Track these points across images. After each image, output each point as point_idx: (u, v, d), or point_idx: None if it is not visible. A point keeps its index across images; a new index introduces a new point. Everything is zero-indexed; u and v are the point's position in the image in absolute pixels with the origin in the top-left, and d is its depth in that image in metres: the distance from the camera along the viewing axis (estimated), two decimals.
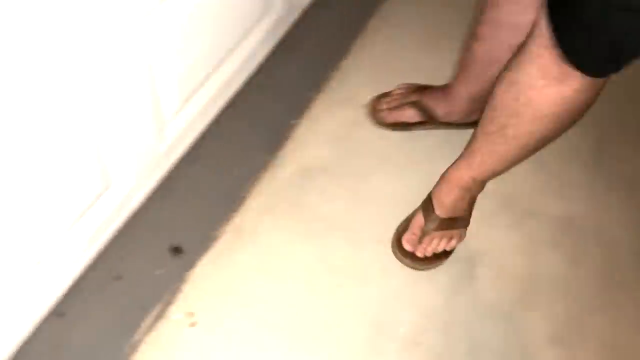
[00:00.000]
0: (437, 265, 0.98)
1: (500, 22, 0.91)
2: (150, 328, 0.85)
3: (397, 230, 1.01)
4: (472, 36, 0.99)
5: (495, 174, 0.90)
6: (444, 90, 1.11)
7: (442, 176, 0.96)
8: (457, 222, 0.97)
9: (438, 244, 0.97)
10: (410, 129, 1.15)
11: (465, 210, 0.96)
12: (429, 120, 1.13)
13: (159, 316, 0.87)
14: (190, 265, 0.93)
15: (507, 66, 0.76)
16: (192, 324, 0.87)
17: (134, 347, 0.83)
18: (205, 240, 0.96)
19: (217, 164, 1.06)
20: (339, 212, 1.04)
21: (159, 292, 0.89)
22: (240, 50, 1.04)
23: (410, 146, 1.15)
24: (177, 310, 0.88)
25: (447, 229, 0.96)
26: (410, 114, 1.13)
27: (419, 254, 0.97)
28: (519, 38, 0.74)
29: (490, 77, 0.89)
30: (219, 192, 1.02)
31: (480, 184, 0.93)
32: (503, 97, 0.77)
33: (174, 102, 0.89)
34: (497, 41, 0.93)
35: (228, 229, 0.98)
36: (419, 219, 0.98)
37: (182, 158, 1.01)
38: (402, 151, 1.14)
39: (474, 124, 0.96)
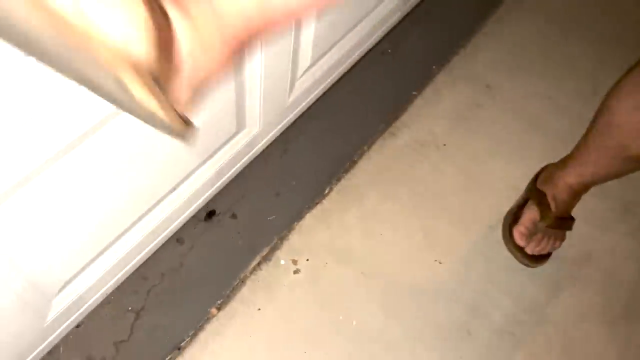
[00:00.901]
0: (541, 264, 0.95)
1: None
2: (256, 267, 0.91)
3: (506, 219, 0.99)
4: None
5: (608, 179, 0.85)
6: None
7: (554, 173, 0.92)
8: (567, 223, 0.94)
9: (548, 243, 0.94)
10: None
11: (570, 212, 0.94)
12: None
13: (266, 258, 0.92)
14: (299, 216, 0.97)
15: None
16: (296, 271, 0.92)
17: (241, 282, 0.89)
18: (315, 194, 1.00)
19: (334, 125, 1.08)
20: (448, 190, 1.04)
21: (269, 236, 0.94)
22: (372, 16, 1.04)
23: (530, 137, 1.11)
24: (283, 256, 0.93)
25: (558, 228, 0.93)
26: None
27: (529, 251, 0.94)
28: None
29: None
30: (332, 151, 1.05)
31: (589, 188, 0.90)
32: (632, 117, 0.72)
33: (307, 59, 0.92)
34: None
35: (337, 188, 1.01)
36: (533, 213, 0.94)
37: (303, 114, 1.05)
38: (522, 139, 1.11)
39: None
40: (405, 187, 1.03)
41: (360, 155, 1.06)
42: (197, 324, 0.84)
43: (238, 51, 0.42)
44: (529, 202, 0.96)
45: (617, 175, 0.83)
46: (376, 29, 1.10)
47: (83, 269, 0.71)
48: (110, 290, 0.81)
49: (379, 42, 1.16)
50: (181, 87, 0.38)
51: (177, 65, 0.38)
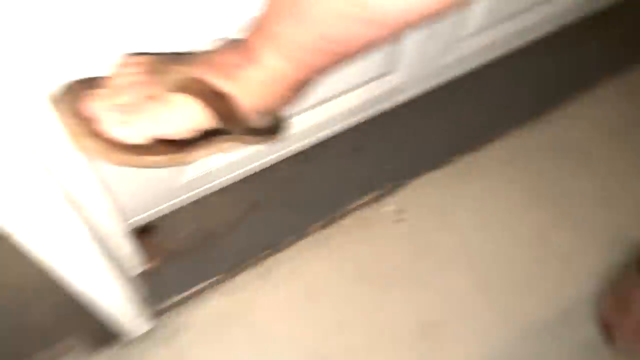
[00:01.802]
0: None
1: None
2: (363, 205, 0.96)
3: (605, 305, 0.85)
4: None
5: None
6: (238, 49, 0.49)
7: None
8: None
9: None
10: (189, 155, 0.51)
11: None
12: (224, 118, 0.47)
13: (375, 200, 0.96)
14: (417, 174, 1.00)
15: None
16: (399, 220, 0.95)
17: (345, 213, 0.95)
18: (439, 160, 1.01)
19: (477, 102, 1.08)
20: (581, 192, 1.00)
21: (384, 181, 0.98)
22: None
23: None
24: (391, 203, 0.97)
25: None
26: (184, 114, 0.45)
27: None
28: None
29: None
30: (468, 127, 1.05)
31: None
32: None
33: (477, 21, 0.93)
34: None
35: (460, 159, 1.02)
36: None
37: (448, 83, 1.06)
38: None
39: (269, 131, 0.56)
40: (531, 180, 1.01)
41: (498, 135, 1.05)
42: (296, 235, 0.92)
43: (307, 77, 0.48)
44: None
45: None
46: (563, 15, 1.07)
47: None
48: (237, 179, 0.91)
49: (562, 29, 1.12)
50: (260, 118, 0.51)
51: (244, 111, 0.49)
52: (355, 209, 0.96)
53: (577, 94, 1.11)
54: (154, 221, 0.88)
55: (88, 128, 0.46)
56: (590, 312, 0.89)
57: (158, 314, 0.84)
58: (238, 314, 0.85)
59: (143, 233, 0.87)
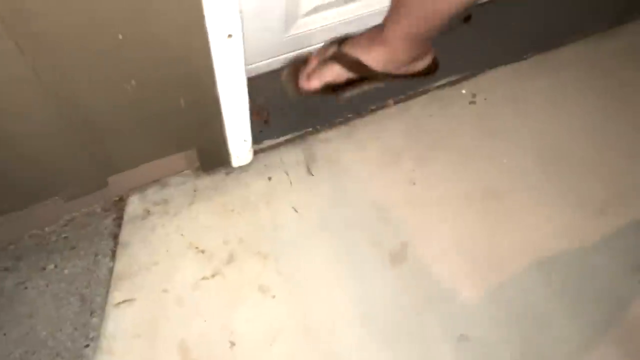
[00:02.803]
0: None
1: None
2: (441, 87, 1.05)
3: None
4: None
5: None
6: (372, 33, 0.88)
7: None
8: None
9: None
10: (344, 91, 0.94)
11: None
12: (362, 73, 0.91)
13: (453, 83, 1.06)
14: (494, 64, 1.08)
15: None
16: (472, 102, 1.04)
17: (423, 91, 1.04)
18: (516, 52, 1.09)
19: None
20: None
21: (460, 66, 1.07)
22: None
23: None
24: (467, 88, 1.06)
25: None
26: (334, 72, 0.90)
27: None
28: None
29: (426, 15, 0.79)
30: (550, 23, 1.12)
31: None
32: None
33: None
34: None
35: (536, 56, 1.10)
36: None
37: None
38: None
39: (423, 72, 0.95)
40: (602, 81, 1.08)
41: (572, 41, 1.11)
42: (378, 104, 1.02)
43: (415, 37, 0.85)
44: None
45: None
46: None
47: (334, 4, 0.92)
48: None
49: None
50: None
51: (373, 70, 0.90)
52: (433, 90, 1.05)
53: None
54: (256, 76, 1.00)
55: (295, 81, 0.94)
56: None
57: (256, 152, 0.96)
58: (324, 160, 0.96)
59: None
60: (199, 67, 0.66)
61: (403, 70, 0.92)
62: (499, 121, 1.03)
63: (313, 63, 0.92)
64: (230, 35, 0.62)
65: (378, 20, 1.00)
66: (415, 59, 0.92)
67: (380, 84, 0.93)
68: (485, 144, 1.00)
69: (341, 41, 0.91)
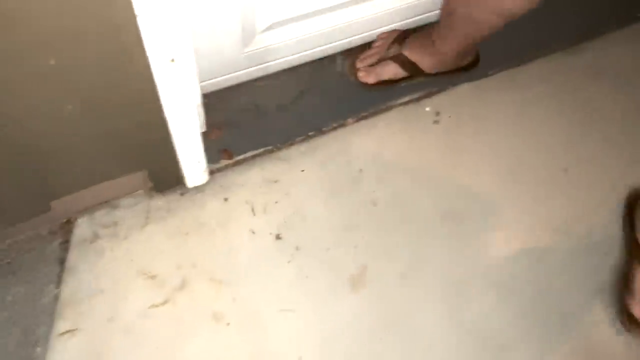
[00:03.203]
0: None
1: None
2: (404, 104, 1.03)
3: (621, 294, 0.88)
4: None
5: None
6: (426, 40, 0.99)
7: None
8: None
9: None
10: (396, 85, 1.04)
11: None
12: (415, 75, 1.03)
13: (416, 100, 1.04)
14: (456, 82, 1.07)
15: None
16: (436, 121, 1.02)
17: (388, 108, 1.02)
18: (478, 70, 1.08)
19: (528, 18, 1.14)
20: (611, 110, 1.06)
21: (424, 83, 1.05)
22: None
23: None
24: (430, 105, 1.04)
25: None
26: (392, 71, 1.02)
27: None
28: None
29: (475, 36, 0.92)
30: (512, 39, 1.12)
31: None
32: None
33: None
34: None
35: (499, 73, 1.09)
36: None
37: None
38: None
39: (467, 67, 1.05)
40: (567, 98, 1.07)
41: (535, 58, 1.11)
42: (341, 121, 1.00)
43: (464, 46, 0.97)
44: (636, 266, 0.86)
45: None
46: None
47: (290, 21, 0.89)
48: (289, 64, 0.99)
49: None
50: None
51: (425, 69, 1.02)
52: (397, 106, 1.03)
53: (621, 23, 1.16)
54: (214, 92, 0.97)
55: (354, 71, 1.03)
56: (610, 218, 0.96)
57: (212, 172, 0.93)
58: (283, 182, 0.94)
59: (204, 99, 0.96)
60: (141, 92, 0.63)
61: (451, 67, 1.03)
62: (463, 139, 1.01)
63: (373, 57, 1.02)
64: (173, 60, 0.59)
65: (339, 36, 0.99)
66: (462, 58, 1.03)
67: (427, 79, 1.05)
68: (448, 163, 0.99)
69: (401, 40, 1.01)
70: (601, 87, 1.09)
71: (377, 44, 1.04)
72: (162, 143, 0.75)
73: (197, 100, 0.82)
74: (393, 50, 1.01)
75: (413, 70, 1.01)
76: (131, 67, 0.59)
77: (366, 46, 1.06)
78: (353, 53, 1.04)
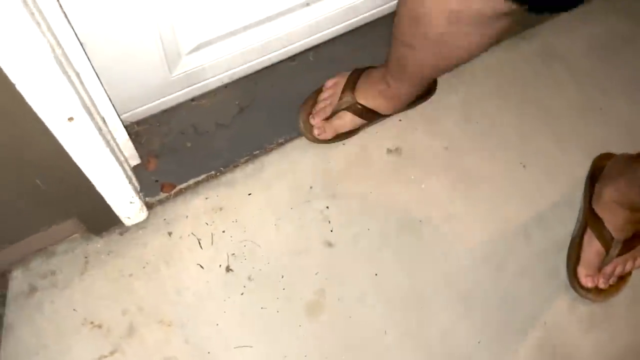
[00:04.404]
0: (624, 287, 0.88)
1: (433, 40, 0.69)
2: None
3: (569, 255, 0.90)
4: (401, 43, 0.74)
5: None
6: (380, 83, 0.87)
7: (603, 190, 0.85)
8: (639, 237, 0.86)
9: (623, 269, 0.86)
10: (355, 134, 0.95)
11: None
12: (373, 119, 0.94)
13: None
14: None
15: None
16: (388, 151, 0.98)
17: None
18: None
19: None
20: (561, 108, 1.02)
21: None
22: None
23: None
24: None
25: (630, 249, 0.85)
26: (350, 122, 0.92)
27: (603, 286, 0.86)
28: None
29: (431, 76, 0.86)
30: None
31: None
32: None
33: None
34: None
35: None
36: (595, 248, 0.86)
37: None
38: None
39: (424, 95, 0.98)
40: (519, 90, 1.03)
41: None
42: (286, 136, 0.95)
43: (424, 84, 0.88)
44: (588, 232, 0.88)
45: None
46: None
47: (217, 39, 0.83)
48: (226, 80, 0.93)
49: None
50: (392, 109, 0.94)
51: (382, 111, 0.92)
52: None
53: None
54: (147, 118, 0.91)
55: (309, 128, 0.92)
56: (565, 215, 0.93)
57: (152, 205, 0.87)
58: (229, 209, 0.89)
59: (137, 127, 0.90)
60: (47, 151, 0.57)
61: (409, 101, 0.95)
62: (415, 144, 0.97)
63: (326, 110, 0.92)
64: (71, 119, 0.53)
65: (276, 46, 0.92)
66: (420, 89, 0.94)
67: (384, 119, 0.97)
68: (401, 171, 0.94)
69: (352, 86, 0.91)
70: (549, 74, 1.06)
71: (325, 94, 0.93)
72: (86, 191, 0.69)
73: (123, 137, 0.76)
74: (346, 100, 0.90)
75: (371, 116, 0.92)
76: (27, 130, 0.53)
77: (313, 92, 0.95)
78: (304, 108, 0.93)
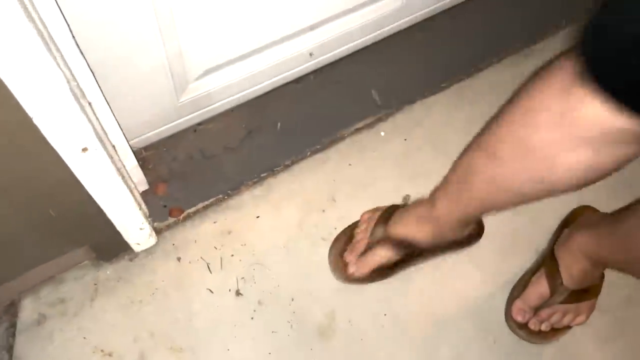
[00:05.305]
0: (557, 338, 0.85)
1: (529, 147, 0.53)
2: (358, 130, 0.99)
3: (512, 292, 0.87)
4: (479, 148, 0.62)
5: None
6: (420, 206, 0.79)
7: (569, 237, 0.82)
8: (589, 294, 0.82)
9: (560, 319, 0.83)
10: (393, 273, 0.86)
11: (598, 278, 0.83)
12: (411, 255, 0.84)
13: (370, 126, 1.00)
14: (410, 101, 1.03)
15: None
16: (392, 144, 0.98)
17: (341, 138, 0.98)
18: (429, 87, 1.04)
19: (472, 28, 1.10)
20: None
21: (375, 107, 1.01)
22: None
23: None
24: (385, 128, 1.00)
25: (575, 302, 0.81)
26: (384, 255, 0.83)
27: (533, 327, 0.83)
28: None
29: (494, 205, 0.65)
30: (460, 53, 1.08)
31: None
32: None
33: None
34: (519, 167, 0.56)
35: (453, 88, 1.04)
36: (540, 288, 0.83)
37: (446, 10, 1.08)
38: None
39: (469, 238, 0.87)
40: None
41: (487, 65, 1.07)
42: (293, 157, 0.95)
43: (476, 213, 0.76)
44: (540, 271, 0.84)
45: None
46: None
47: (224, 65, 0.84)
48: (232, 104, 0.94)
49: None
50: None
51: (422, 245, 0.82)
52: (349, 135, 0.99)
53: (565, 23, 1.13)
54: (155, 143, 0.91)
55: (342, 266, 0.85)
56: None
57: (161, 230, 0.87)
58: (237, 232, 0.89)
59: (145, 153, 0.90)
60: (61, 181, 0.58)
61: (449, 239, 0.83)
62: (421, 163, 0.97)
63: (360, 244, 0.85)
64: (85, 149, 0.53)
65: (283, 69, 0.93)
66: (464, 227, 0.84)
67: (427, 260, 0.87)
68: (408, 189, 0.95)
69: (386, 218, 0.83)
70: None
71: (360, 228, 0.87)
72: (97, 219, 0.69)
73: (132, 163, 0.76)
74: (378, 231, 0.83)
75: (407, 248, 0.81)
76: (41, 162, 0.53)
77: (347, 227, 0.89)
78: (336, 245, 0.87)
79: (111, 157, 0.62)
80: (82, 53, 0.57)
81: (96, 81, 0.61)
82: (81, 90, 0.56)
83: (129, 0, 0.63)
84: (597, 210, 0.92)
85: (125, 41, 0.68)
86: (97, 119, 0.61)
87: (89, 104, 0.59)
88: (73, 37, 0.55)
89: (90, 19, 0.62)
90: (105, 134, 0.65)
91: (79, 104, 0.51)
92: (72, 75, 0.54)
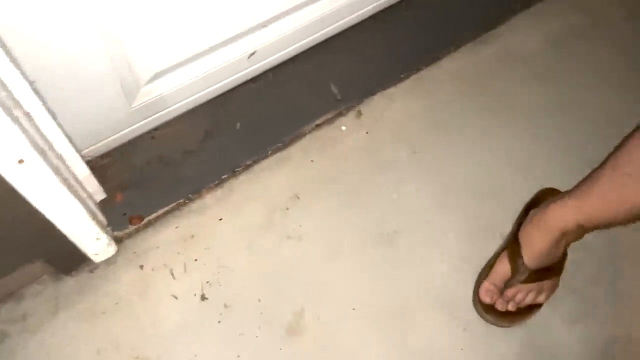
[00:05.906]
0: (520, 321, 0.86)
1: None
2: (318, 127, 0.98)
3: (480, 275, 0.88)
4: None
5: (616, 223, 0.73)
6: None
7: (536, 215, 0.82)
8: (550, 272, 0.84)
9: (524, 298, 0.84)
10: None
11: (559, 257, 0.83)
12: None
13: (330, 121, 0.99)
14: (369, 93, 1.02)
15: None
16: (355, 138, 0.98)
17: (302, 134, 0.97)
18: (390, 78, 1.03)
19: (429, 17, 1.10)
20: (526, 107, 1.03)
21: (337, 103, 1.00)
22: None
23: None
24: (345, 122, 0.99)
25: (536, 280, 0.83)
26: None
27: (500, 307, 0.84)
28: None
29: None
30: (417, 43, 1.07)
31: (584, 232, 0.78)
32: None
33: None
34: None
35: (413, 77, 1.04)
36: (504, 268, 0.84)
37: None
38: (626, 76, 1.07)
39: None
40: (481, 94, 1.04)
41: (445, 54, 1.07)
42: (254, 157, 0.94)
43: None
44: (501, 251, 0.86)
45: (629, 210, 0.71)
46: None
47: (175, 67, 0.82)
48: (188, 107, 0.93)
49: None
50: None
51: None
52: (310, 131, 0.98)
53: (520, 7, 1.14)
54: (111, 151, 0.90)
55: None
56: None
57: (122, 239, 0.86)
58: (200, 236, 0.88)
59: (101, 161, 0.88)
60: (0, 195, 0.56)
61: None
62: (384, 156, 0.97)
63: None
64: (21, 161, 0.52)
65: (239, 68, 0.92)
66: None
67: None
68: (373, 182, 0.94)
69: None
70: (512, 76, 1.07)
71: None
72: (48, 232, 0.68)
73: (84, 172, 0.75)
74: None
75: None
76: None
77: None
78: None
79: (56, 168, 0.60)
80: (15, 62, 0.55)
81: (35, 91, 0.60)
82: (15, 100, 0.54)
83: (65, 8, 0.62)
84: (559, 191, 0.92)
85: (65, 49, 0.66)
86: (37, 129, 0.59)
87: (27, 114, 0.57)
88: (4, 45, 0.53)
89: (25, 28, 0.60)
90: (49, 144, 0.63)
91: (9, 115, 0.49)
92: (4, 86, 0.52)
